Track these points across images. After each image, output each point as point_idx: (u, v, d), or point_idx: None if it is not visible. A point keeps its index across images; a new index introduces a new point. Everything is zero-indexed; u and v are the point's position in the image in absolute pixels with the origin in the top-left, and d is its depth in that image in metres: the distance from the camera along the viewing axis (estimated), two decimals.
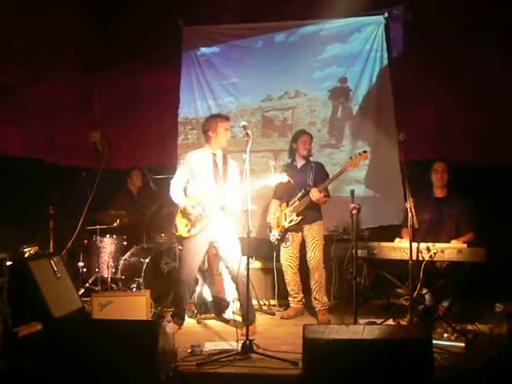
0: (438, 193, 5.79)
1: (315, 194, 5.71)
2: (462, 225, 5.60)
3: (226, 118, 5.50)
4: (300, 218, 5.85)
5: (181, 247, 6.16)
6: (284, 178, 5.25)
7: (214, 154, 5.45)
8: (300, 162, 6.11)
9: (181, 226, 5.37)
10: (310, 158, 6.16)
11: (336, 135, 7.59)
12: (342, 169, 5.79)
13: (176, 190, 5.42)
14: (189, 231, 5.31)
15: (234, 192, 5.26)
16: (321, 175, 6.00)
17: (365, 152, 5.73)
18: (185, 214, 5.32)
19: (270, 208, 6.20)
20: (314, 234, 5.92)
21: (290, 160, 6.28)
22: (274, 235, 6.05)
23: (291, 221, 5.89)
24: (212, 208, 5.27)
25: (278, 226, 6.02)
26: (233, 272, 5.36)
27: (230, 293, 6.03)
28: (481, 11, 6.81)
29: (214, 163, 5.43)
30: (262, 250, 6.82)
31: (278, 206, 6.12)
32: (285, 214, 5.96)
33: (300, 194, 5.85)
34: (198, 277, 6.04)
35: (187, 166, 5.44)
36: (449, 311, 5.31)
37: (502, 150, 6.84)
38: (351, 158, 5.78)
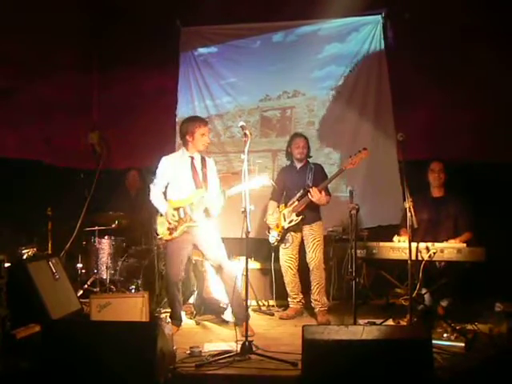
0: (436, 192, 5.80)
1: (315, 194, 5.67)
2: (459, 225, 5.60)
3: (205, 123, 5.41)
4: (300, 217, 5.82)
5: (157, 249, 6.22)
6: (266, 181, 5.24)
7: (192, 158, 5.41)
8: (299, 164, 6.09)
9: (162, 228, 5.35)
10: (309, 160, 6.14)
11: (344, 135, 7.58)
12: (342, 167, 5.72)
13: (156, 195, 5.39)
14: (170, 234, 5.30)
15: (214, 195, 5.28)
16: (320, 176, 5.96)
17: (364, 149, 5.62)
18: (166, 220, 5.31)
19: (268, 209, 6.16)
20: (314, 235, 5.90)
21: (289, 162, 6.25)
22: (274, 236, 6.02)
23: (291, 221, 5.86)
24: (195, 211, 5.25)
25: (278, 227, 5.99)
26: (220, 273, 5.37)
27: (220, 296, 5.96)
28: (478, 12, 6.79)
29: (192, 167, 5.38)
30: (261, 250, 6.80)
31: (276, 207, 6.10)
32: (283, 214, 5.93)
33: (299, 194, 5.82)
34: (196, 279, 6.03)
35: (164, 170, 5.40)
36: (448, 311, 5.30)
37: (499, 148, 6.84)
38: (351, 156, 5.69)
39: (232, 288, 5.13)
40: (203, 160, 5.48)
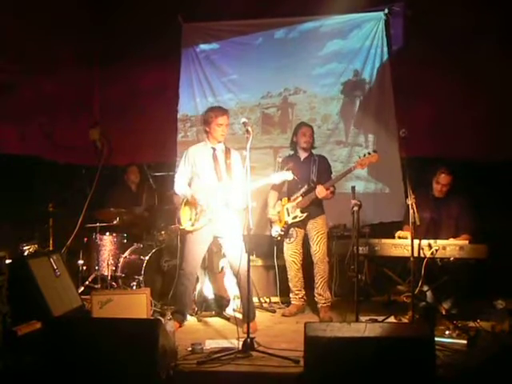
0: (438, 193, 5.76)
1: (322, 192, 5.65)
2: (460, 225, 5.58)
3: (222, 112, 5.29)
4: (305, 214, 5.80)
5: (180, 242, 6.16)
6: (289, 175, 5.24)
7: (214, 149, 5.37)
8: (303, 155, 6.04)
9: (184, 219, 5.33)
10: (313, 151, 6.11)
11: (346, 131, 7.59)
12: (351, 168, 5.66)
13: (180, 183, 5.38)
14: (193, 225, 5.27)
15: (238, 187, 5.20)
16: (324, 169, 5.97)
17: (375, 152, 5.54)
18: (192, 203, 5.26)
19: (270, 201, 6.12)
20: (318, 228, 5.88)
21: (292, 152, 6.21)
22: (277, 231, 5.97)
23: (295, 217, 5.84)
24: (216, 204, 5.22)
25: (281, 222, 5.96)
26: (235, 268, 5.31)
27: (231, 290, 5.99)
28: (481, 8, 6.79)
29: (213, 158, 5.35)
30: (262, 246, 6.78)
31: (277, 198, 6.07)
32: (287, 209, 5.90)
33: (304, 190, 5.79)
34: (199, 274, 6.02)
35: (188, 160, 5.39)
36: (451, 312, 5.29)
37: (504, 146, 6.82)
38: (360, 157, 5.61)
39: (246, 292, 4.98)
40: (227, 151, 5.41)
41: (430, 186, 5.79)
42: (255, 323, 5.35)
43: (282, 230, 5.95)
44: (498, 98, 6.85)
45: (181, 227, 5.40)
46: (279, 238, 6.02)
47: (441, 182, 5.69)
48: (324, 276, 5.90)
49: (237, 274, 5.30)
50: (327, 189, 5.67)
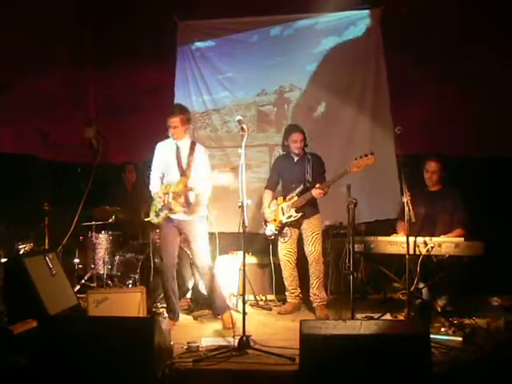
0: (432, 187, 5.77)
1: (318, 194, 5.62)
2: (454, 220, 5.58)
3: (170, 115, 5.47)
4: (300, 214, 5.78)
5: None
6: (227, 180, 4.92)
7: (177, 145, 5.44)
8: (296, 156, 6.01)
9: (152, 213, 5.41)
10: (306, 150, 6.06)
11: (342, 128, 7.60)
12: (347, 169, 5.48)
13: (152, 179, 5.48)
14: (156, 217, 5.36)
15: (199, 183, 5.24)
16: (318, 168, 5.92)
17: (372, 154, 5.39)
18: (156, 199, 5.36)
19: (264, 200, 6.11)
20: (313, 228, 5.86)
21: (285, 152, 6.16)
22: (271, 230, 5.97)
23: (290, 216, 5.82)
24: (175, 200, 5.25)
25: (275, 221, 5.94)
26: (198, 267, 5.45)
27: (226, 288, 5.97)
28: (476, 6, 6.79)
29: (176, 154, 5.41)
30: (256, 244, 6.78)
31: (271, 197, 6.07)
32: (282, 208, 5.89)
33: (299, 190, 5.77)
34: (195, 272, 6.01)
35: (155, 157, 5.51)
36: (446, 309, 5.29)
37: (497, 143, 6.83)
38: (356, 158, 5.44)
39: (208, 282, 5.25)
40: (192, 147, 5.46)
41: (424, 182, 5.80)
42: (229, 317, 5.32)
43: (276, 230, 5.94)
44: (490, 95, 6.88)
45: (146, 219, 5.53)
46: (273, 237, 6.01)
47: (429, 170, 5.70)
48: (319, 276, 5.89)
49: (200, 276, 5.45)
50: (323, 190, 5.63)
